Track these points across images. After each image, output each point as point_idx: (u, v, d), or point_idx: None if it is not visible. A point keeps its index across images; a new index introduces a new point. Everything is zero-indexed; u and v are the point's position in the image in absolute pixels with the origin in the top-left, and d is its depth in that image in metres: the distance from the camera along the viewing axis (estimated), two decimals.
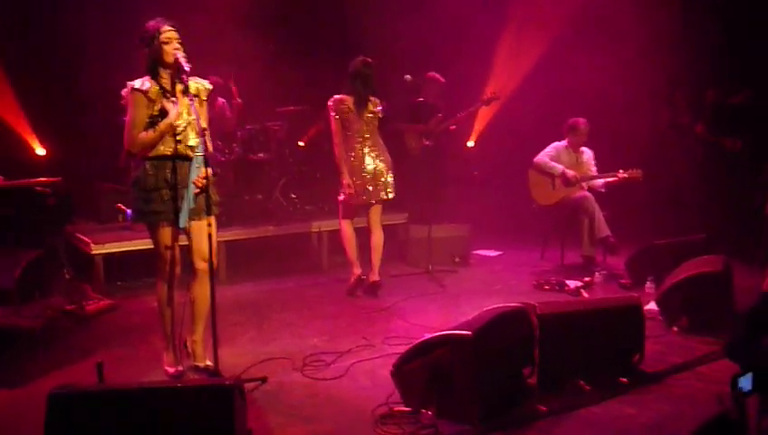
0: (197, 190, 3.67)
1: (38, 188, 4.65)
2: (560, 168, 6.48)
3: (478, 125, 8.54)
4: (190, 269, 3.88)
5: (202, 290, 3.82)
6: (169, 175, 3.66)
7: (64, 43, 6.75)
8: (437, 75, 7.26)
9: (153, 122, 3.63)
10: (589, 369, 3.65)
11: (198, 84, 3.81)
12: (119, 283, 6.02)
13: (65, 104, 7.00)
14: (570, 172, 6.46)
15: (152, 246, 3.85)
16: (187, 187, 3.68)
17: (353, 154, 5.47)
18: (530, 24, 8.08)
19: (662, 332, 4.53)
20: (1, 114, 6.86)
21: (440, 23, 8.06)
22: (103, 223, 6.72)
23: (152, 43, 3.63)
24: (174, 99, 3.67)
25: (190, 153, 3.69)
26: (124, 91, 3.67)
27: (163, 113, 3.62)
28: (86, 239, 5.81)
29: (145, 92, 3.61)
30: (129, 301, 5.58)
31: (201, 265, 3.82)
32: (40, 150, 7.15)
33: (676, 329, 4.55)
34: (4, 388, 3.78)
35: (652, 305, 4.75)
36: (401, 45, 7.57)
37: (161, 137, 3.64)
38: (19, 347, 4.48)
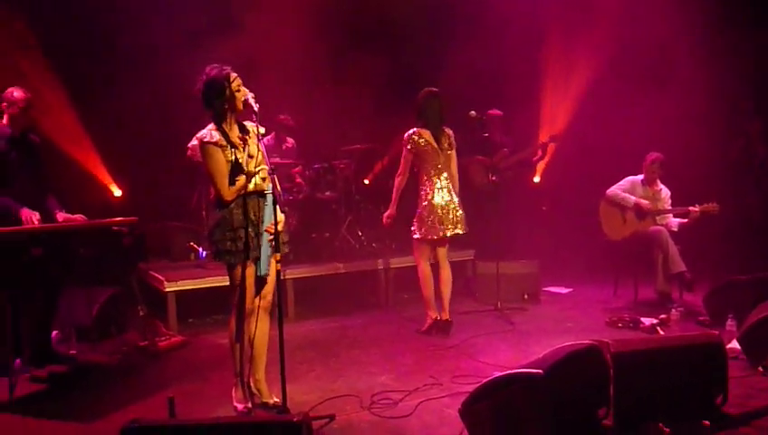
0: (270, 238, 3.72)
1: (115, 228, 4.79)
2: (632, 199, 6.33)
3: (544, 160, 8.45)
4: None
5: (261, 327, 3.87)
6: (251, 213, 3.74)
7: (135, 91, 7.04)
8: (497, 112, 7.28)
9: (234, 169, 3.71)
10: (668, 411, 3.48)
11: (253, 127, 3.89)
12: (189, 320, 6.15)
13: (139, 148, 7.29)
14: (644, 202, 6.29)
15: (225, 283, 3.92)
16: (262, 223, 3.74)
17: (429, 188, 5.44)
18: (595, 57, 7.98)
19: (746, 372, 4.31)
20: (80, 159, 7.21)
21: (502, 58, 8.09)
22: (175, 261, 6.93)
23: (224, 93, 3.72)
24: (239, 145, 3.74)
25: (265, 189, 3.77)
26: (191, 145, 3.76)
27: (237, 162, 3.70)
28: (159, 277, 5.98)
29: (216, 143, 3.70)
30: (199, 337, 5.68)
31: (257, 302, 3.86)
32: (117, 192, 7.46)
33: (761, 369, 4.31)
34: (80, 421, 3.87)
35: (734, 344, 4.53)
36: (463, 81, 7.60)
37: (246, 184, 3.73)
38: (95, 382, 4.65)
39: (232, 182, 3.72)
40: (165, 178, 7.36)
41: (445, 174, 5.46)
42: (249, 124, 3.89)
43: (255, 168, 3.77)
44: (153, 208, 7.09)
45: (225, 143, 3.71)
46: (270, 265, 3.82)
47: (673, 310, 5.71)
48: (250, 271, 3.80)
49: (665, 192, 6.47)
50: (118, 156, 7.33)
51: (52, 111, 6.84)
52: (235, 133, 3.79)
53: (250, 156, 3.75)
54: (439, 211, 5.41)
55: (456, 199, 5.48)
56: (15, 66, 6.58)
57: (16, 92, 4.72)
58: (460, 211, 5.49)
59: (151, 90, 7.00)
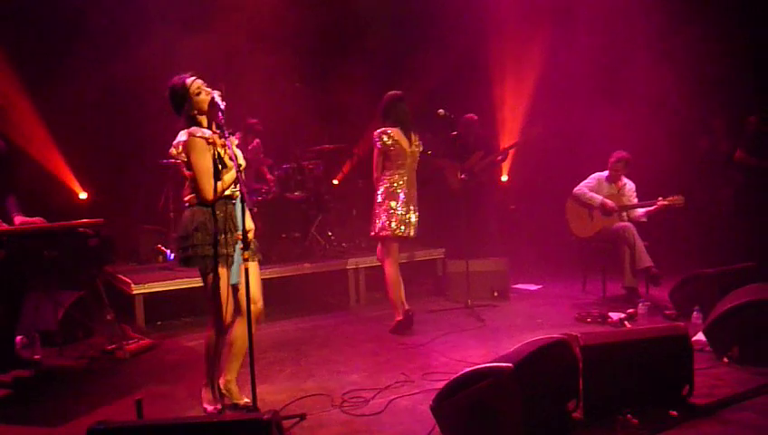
0: (242, 246, 3.66)
1: (80, 230, 4.71)
2: (599, 198, 6.41)
3: (514, 158, 8.54)
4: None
5: (243, 331, 3.81)
6: (223, 218, 3.68)
7: (102, 89, 6.93)
8: (474, 116, 7.34)
9: (217, 168, 3.64)
10: (636, 402, 3.53)
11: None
12: (158, 322, 6.08)
13: (105, 150, 7.19)
14: (609, 202, 6.38)
15: (193, 285, 3.88)
16: (234, 229, 3.70)
17: (393, 186, 5.44)
18: (562, 52, 8.07)
19: (712, 363, 4.37)
20: (41, 160, 7.08)
21: (471, 56, 8.15)
22: (142, 264, 6.84)
23: (186, 99, 3.68)
24: (225, 143, 3.70)
25: (237, 193, 3.73)
26: (178, 142, 3.67)
27: (219, 160, 3.65)
28: (126, 280, 5.90)
29: (207, 139, 3.65)
30: (167, 340, 5.61)
31: (253, 308, 3.75)
32: (82, 194, 7.34)
33: (726, 360, 4.39)
34: (47, 426, 3.80)
35: (700, 336, 4.61)
36: (433, 80, 7.65)
37: (229, 185, 3.68)
38: (61, 386, 4.56)
39: (218, 177, 3.65)
40: (131, 181, 7.28)
41: (406, 177, 5.45)
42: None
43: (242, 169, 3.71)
44: (119, 211, 6.99)
45: (213, 141, 3.67)
46: (242, 271, 3.76)
47: (640, 304, 5.79)
48: (225, 275, 3.72)
49: (629, 186, 6.56)
50: (83, 158, 7.22)
51: (14, 112, 6.71)
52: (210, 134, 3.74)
53: (231, 158, 3.68)
54: (399, 211, 5.41)
55: (412, 201, 5.47)
56: None
57: None
58: (412, 215, 5.47)
59: (117, 91, 6.91)
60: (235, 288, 3.83)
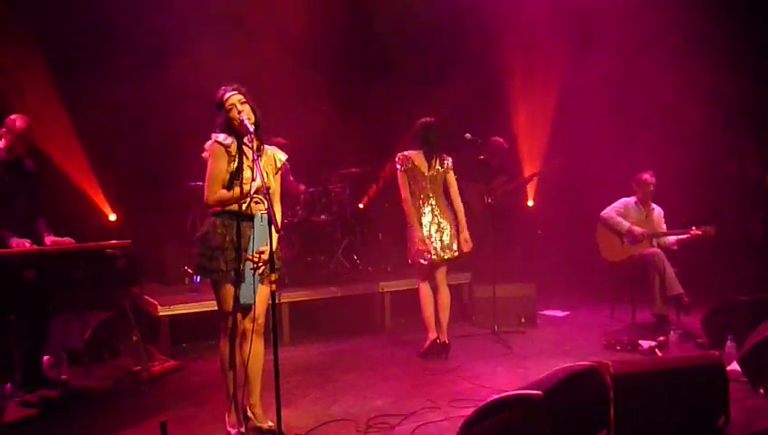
0: (253, 267, 3.65)
1: (108, 251, 4.75)
2: (626, 224, 6.32)
3: (538, 184, 8.49)
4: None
5: (254, 351, 3.79)
6: (231, 233, 3.69)
7: (135, 115, 7.04)
8: (501, 141, 7.33)
9: (230, 179, 3.68)
10: (669, 433, 3.44)
11: (274, 153, 3.89)
12: (183, 344, 6.08)
13: (135, 172, 7.26)
14: (637, 229, 6.29)
15: (215, 308, 3.87)
16: (248, 249, 3.69)
17: (418, 211, 5.45)
18: (586, 77, 8.02)
19: (747, 394, 4.25)
20: (74, 178, 7.18)
21: (497, 80, 8.17)
22: (169, 285, 6.86)
23: (221, 110, 3.74)
24: (250, 162, 3.71)
25: (257, 212, 3.72)
26: (207, 144, 3.74)
27: (238, 172, 3.68)
28: (153, 301, 5.91)
29: (227, 147, 3.69)
30: (193, 362, 5.61)
31: (248, 325, 3.80)
32: (112, 216, 7.41)
33: (762, 391, 4.27)
34: None
35: (734, 366, 4.49)
36: (459, 104, 7.66)
37: (236, 201, 3.68)
38: (87, 406, 4.57)
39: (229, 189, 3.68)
40: (159, 202, 7.33)
41: (433, 200, 5.45)
42: (274, 151, 3.90)
43: (252, 190, 3.71)
44: (148, 232, 7.03)
45: (234, 152, 3.70)
46: (257, 290, 3.75)
47: (671, 332, 5.68)
48: (231, 292, 3.74)
49: (657, 211, 6.49)
50: (113, 178, 7.30)
51: (52, 130, 6.83)
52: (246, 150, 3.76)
53: (252, 179, 3.70)
54: (426, 235, 5.40)
55: (444, 223, 5.45)
56: (17, 83, 6.59)
57: (18, 122, 4.74)
58: (450, 235, 5.45)
59: (147, 111, 6.99)
60: (247, 307, 3.80)
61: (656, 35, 7.80)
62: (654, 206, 6.51)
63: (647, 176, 6.42)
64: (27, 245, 4.46)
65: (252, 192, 3.65)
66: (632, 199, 6.49)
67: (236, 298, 3.72)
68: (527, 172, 8.01)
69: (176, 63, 6.75)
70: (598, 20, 7.96)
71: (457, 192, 5.54)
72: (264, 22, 7.22)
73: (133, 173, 7.28)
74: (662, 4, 7.73)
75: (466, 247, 5.49)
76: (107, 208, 7.40)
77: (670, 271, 6.01)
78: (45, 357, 5.13)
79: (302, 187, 7.00)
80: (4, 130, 4.74)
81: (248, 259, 3.65)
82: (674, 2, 7.64)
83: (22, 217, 4.76)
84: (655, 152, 7.45)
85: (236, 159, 3.69)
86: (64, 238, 4.80)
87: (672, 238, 6.33)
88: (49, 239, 4.76)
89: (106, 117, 6.90)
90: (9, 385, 4.58)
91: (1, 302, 4.11)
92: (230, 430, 3.82)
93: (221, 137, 3.71)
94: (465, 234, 5.49)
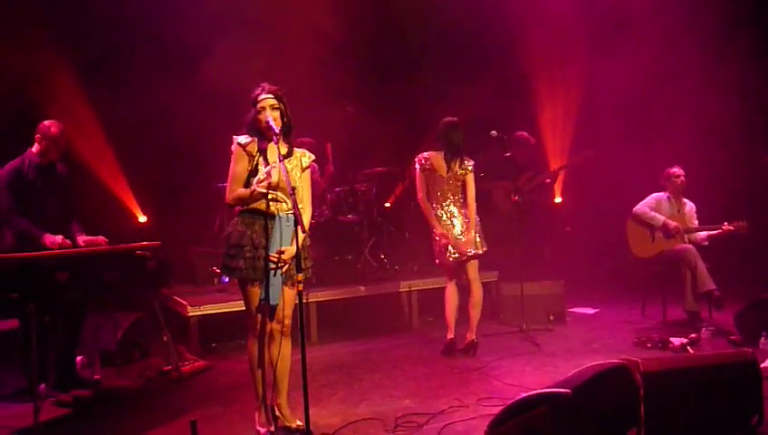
0: (273, 267, 3.68)
1: (138, 253, 4.82)
2: (661, 218, 6.24)
3: (565, 180, 8.41)
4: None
5: (282, 351, 3.83)
6: (255, 233, 3.72)
7: (163, 118, 7.13)
8: (526, 135, 7.27)
9: (248, 178, 3.73)
10: (701, 431, 3.38)
11: (302, 153, 3.92)
12: (213, 344, 6.14)
13: (165, 174, 7.36)
14: (672, 223, 6.20)
15: (244, 308, 3.90)
16: (268, 247, 3.71)
17: (437, 212, 5.47)
18: (618, 73, 7.92)
19: None
20: (107, 183, 7.30)
21: (525, 78, 8.11)
22: (198, 286, 6.94)
23: (253, 108, 3.78)
24: (274, 163, 3.73)
25: (281, 213, 3.74)
26: (232, 146, 3.79)
27: (256, 172, 3.70)
28: (182, 302, 5.98)
29: (245, 146, 3.74)
30: (222, 362, 5.67)
31: (275, 326, 3.84)
32: (142, 218, 7.52)
33: None
34: None
35: None
36: (486, 102, 7.62)
37: (255, 198, 3.71)
38: (119, 406, 4.64)
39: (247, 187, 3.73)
40: (189, 204, 7.42)
41: (450, 199, 5.46)
42: (301, 152, 3.92)
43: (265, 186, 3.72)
44: (177, 234, 7.12)
45: (254, 152, 3.73)
46: (283, 291, 3.79)
47: (703, 329, 5.61)
48: (255, 291, 3.77)
49: (689, 207, 6.40)
50: (143, 182, 7.41)
51: (83, 134, 6.95)
52: (270, 149, 3.78)
53: (268, 176, 3.70)
54: (452, 233, 5.40)
55: (463, 222, 5.44)
56: (50, 86, 6.72)
57: (53, 128, 4.87)
58: (474, 233, 5.44)
59: (176, 112, 7.08)
60: (272, 308, 3.81)
61: (682, 31, 7.68)
62: (686, 201, 6.42)
63: (675, 170, 6.36)
64: (59, 240, 4.56)
65: (267, 189, 3.66)
66: (664, 195, 6.41)
67: (262, 298, 3.75)
68: (554, 166, 7.91)
69: (203, 65, 6.83)
70: (625, 15, 7.86)
71: (473, 195, 5.50)
72: (290, 22, 7.26)
73: (163, 175, 7.38)
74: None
75: (475, 248, 5.46)
76: (137, 210, 7.51)
77: (702, 267, 5.91)
78: (79, 358, 5.24)
79: (330, 168, 7.02)
80: (38, 136, 4.86)
81: (269, 260, 3.67)
82: None
83: (54, 220, 4.88)
84: (684, 147, 7.34)
85: (256, 159, 3.73)
86: (97, 237, 4.90)
87: (703, 234, 6.24)
88: (82, 239, 4.87)
89: (136, 120, 7.01)
90: (43, 386, 4.65)
91: (36, 304, 4.17)
92: (259, 429, 3.85)
93: (241, 138, 3.76)
94: (472, 235, 5.45)
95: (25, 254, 4.21)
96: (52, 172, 4.93)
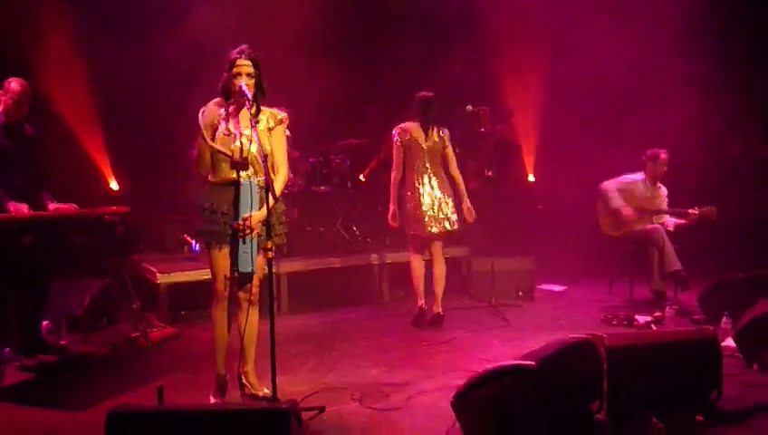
0: (241, 235, 3.62)
1: (107, 217, 4.76)
2: (617, 202, 6.25)
3: (537, 158, 8.45)
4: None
5: (248, 319, 3.83)
6: (224, 199, 3.69)
7: (143, 82, 7.03)
8: (484, 107, 7.25)
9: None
10: (661, 405, 3.45)
11: (271, 112, 3.85)
12: (182, 312, 6.10)
13: (144, 141, 7.26)
14: (626, 211, 6.20)
15: None
16: (231, 213, 3.69)
17: (415, 183, 5.47)
18: (594, 51, 7.93)
19: (741, 370, 4.28)
20: (87, 148, 7.21)
21: (498, 51, 8.12)
22: (169, 254, 6.88)
23: (228, 71, 3.71)
24: (236, 131, 3.69)
25: (251, 180, 3.70)
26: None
27: (214, 136, 3.67)
28: (152, 269, 5.94)
29: (204, 118, 3.68)
30: (191, 329, 5.65)
31: (242, 294, 3.83)
32: (113, 184, 7.42)
33: (756, 367, 4.29)
34: (69, 409, 3.84)
35: (729, 342, 4.51)
36: (461, 76, 7.61)
37: (204, 157, 3.69)
38: (85, 372, 4.61)
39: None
40: (161, 170, 7.32)
41: (430, 171, 5.48)
42: (270, 111, 3.84)
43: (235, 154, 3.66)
44: (151, 201, 7.03)
45: (212, 119, 3.69)
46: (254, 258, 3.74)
47: (668, 308, 5.69)
48: (220, 256, 3.74)
49: (663, 190, 6.45)
50: (121, 147, 7.31)
51: (71, 92, 6.84)
52: (234, 114, 3.74)
53: (228, 133, 3.67)
54: (424, 208, 5.43)
55: (442, 196, 5.47)
56: (44, 44, 6.62)
57: (14, 84, 4.70)
58: (449, 209, 5.46)
59: (158, 80, 6.98)
60: (243, 275, 3.76)
61: (658, 23, 7.72)
62: (660, 185, 6.45)
63: (662, 154, 6.33)
64: (25, 210, 4.45)
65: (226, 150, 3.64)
66: (640, 175, 6.41)
67: (231, 265, 3.72)
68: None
69: (186, 26, 6.72)
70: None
71: (456, 165, 5.53)
72: None
73: (140, 141, 7.28)
74: None
75: (470, 217, 5.54)
76: (111, 177, 7.41)
77: (669, 247, 6.00)
78: (44, 322, 5.17)
79: (297, 154, 6.98)
80: (0, 92, 4.70)
81: (236, 227, 3.64)
82: None
83: (21, 183, 4.74)
84: (659, 131, 7.39)
85: (217, 124, 3.69)
86: (67, 205, 4.80)
87: (671, 220, 6.30)
88: (52, 206, 4.76)
89: (118, 83, 6.89)
90: (8, 350, 4.59)
91: (1, 267, 4.11)
92: (212, 398, 3.85)
93: (204, 108, 3.71)
94: (467, 203, 5.52)
95: None
96: (19, 133, 4.80)
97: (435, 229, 5.45)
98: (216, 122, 3.70)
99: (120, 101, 7.06)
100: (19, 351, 4.71)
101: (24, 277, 4.65)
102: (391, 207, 5.55)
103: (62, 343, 5.00)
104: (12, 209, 4.41)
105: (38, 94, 5.24)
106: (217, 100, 3.75)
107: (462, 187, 5.54)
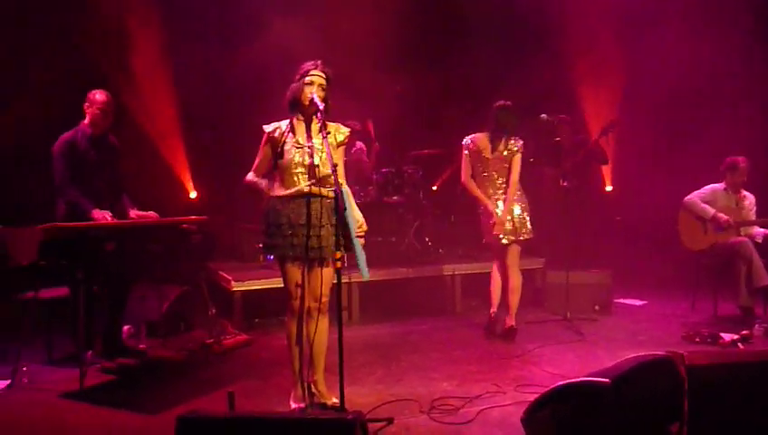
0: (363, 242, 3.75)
1: (184, 226, 4.90)
2: (711, 211, 6.02)
3: (615, 167, 8.20)
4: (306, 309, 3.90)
5: (319, 329, 3.87)
6: (293, 212, 3.73)
7: (222, 93, 7.24)
8: (565, 116, 7.10)
9: (277, 160, 3.79)
10: (746, 429, 3.26)
11: (336, 128, 3.90)
12: (256, 320, 6.21)
13: (223, 151, 7.47)
14: (723, 216, 5.97)
15: None
16: (318, 226, 3.73)
17: (487, 193, 5.44)
18: (669, 57, 7.65)
19: None
20: (167, 158, 7.48)
21: (574, 61, 7.95)
22: (245, 262, 7.03)
23: (298, 81, 3.78)
24: (307, 145, 3.75)
25: (323, 192, 3.74)
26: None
27: (282, 154, 3.75)
28: (227, 277, 6.07)
29: (270, 133, 3.80)
30: (264, 337, 5.74)
31: (312, 304, 3.86)
32: (192, 193, 7.65)
33: None
34: (145, 412, 3.95)
35: None
36: (536, 86, 7.49)
37: (256, 192, 3.82)
38: (162, 376, 4.74)
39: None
40: (239, 180, 7.49)
41: (497, 182, 5.43)
42: (335, 127, 3.89)
43: (308, 170, 3.73)
44: (228, 210, 7.22)
45: (280, 135, 3.78)
46: (321, 270, 3.82)
47: (756, 325, 5.41)
48: (293, 269, 3.79)
49: (749, 199, 6.14)
50: (200, 156, 7.55)
51: (155, 102, 7.14)
52: (301, 128, 3.80)
53: (299, 146, 3.75)
54: (497, 217, 5.38)
55: (514, 206, 5.39)
56: (127, 56, 6.96)
57: (98, 95, 4.91)
58: (521, 217, 5.40)
59: (235, 92, 7.18)
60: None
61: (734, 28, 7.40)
62: (746, 193, 6.16)
63: (740, 161, 6.07)
64: (108, 217, 4.64)
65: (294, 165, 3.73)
66: (721, 185, 6.16)
67: (300, 274, 3.78)
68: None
69: (258, 45, 6.88)
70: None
71: (517, 177, 5.42)
72: (340, 2, 7.25)
73: (219, 151, 7.49)
74: None
75: (515, 235, 5.41)
76: (190, 185, 7.65)
77: (758, 261, 5.70)
78: (125, 327, 5.36)
79: (376, 146, 7.00)
80: (86, 104, 4.91)
81: (357, 236, 3.74)
82: None
83: (105, 192, 4.95)
84: (744, 135, 7.06)
85: (281, 142, 3.77)
86: (148, 212, 4.98)
87: (760, 231, 6.00)
88: (134, 213, 4.96)
89: (200, 95, 7.12)
90: (90, 353, 4.80)
91: (85, 273, 4.28)
92: (292, 403, 3.88)
93: (270, 127, 3.82)
94: (510, 219, 5.40)
95: (76, 223, 4.33)
96: (103, 143, 5.01)
97: (505, 239, 5.38)
98: (281, 135, 3.76)
99: (200, 112, 7.29)
100: (101, 354, 4.91)
101: (107, 283, 4.86)
102: (482, 205, 5.44)
103: (141, 347, 5.17)
104: (97, 217, 4.61)
105: (122, 106, 5.47)
106: (282, 122, 3.85)
107: (513, 197, 5.40)
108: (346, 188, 3.78)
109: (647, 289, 7.14)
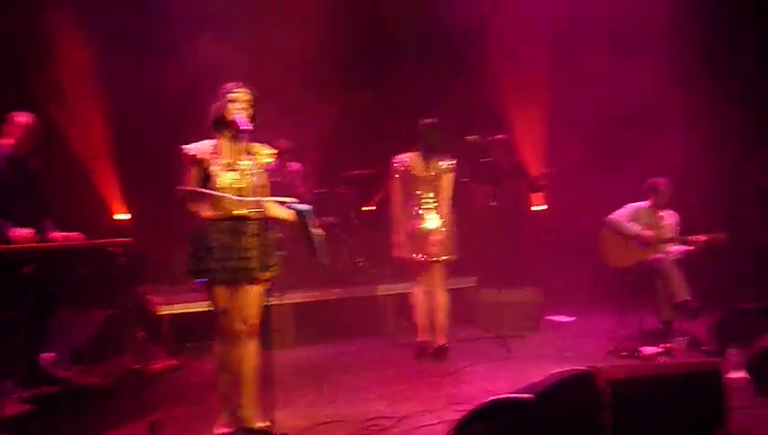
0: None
1: (109, 249, 4.77)
2: (635, 228, 6.20)
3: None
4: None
5: (245, 353, 3.80)
6: (223, 235, 3.68)
7: (151, 111, 7.12)
8: (502, 136, 7.25)
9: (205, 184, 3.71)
10: None
11: (261, 147, 3.87)
12: (188, 344, 6.07)
13: (151, 174, 7.32)
14: (646, 232, 6.16)
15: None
16: (248, 248, 3.69)
17: (414, 212, 5.46)
18: (596, 77, 7.91)
19: (752, 402, 4.15)
20: (98, 183, 7.29)
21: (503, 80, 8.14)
22: (175, 285, 6.88)
23: (221, 100, 3.74)
24: (228, 162, 3.72)
25: (248, 214, 3.71)
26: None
27: (209, 177, 3.69)
28: (155, 300, 5.93)
29: (193, 156, 3.73)
30: (195, 361, 5.60)
31: (240, 327, 3.80)
32: (121, 215, 7.47)
33: None
34: None
35: (738, 373, 4.39)
36: (470, 105, 7.63)
37: (203, 199, 3.70)
38: (85, 404, 4.58)
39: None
40: (171, 202, 7.35)
41: (428, 201, 5.47)
42: (257, 146, 3.85)
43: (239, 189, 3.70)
44: (160, 232, 7.07)
45: (201, 158, 3.72)
46: (248, 290, 3.77)
47: (678, 339, 5.59)
48: (222, 293, 3.74)
49: (670, 218, 6.34)
50: (132, 178, 7.39)
51: (83, 123, 6.98)
52: (227, 148, 3.76)
53: (227, 166, 3.70)
54: (422, 235, 5.42)
55: (440, 224, 5.44)
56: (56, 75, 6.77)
57: (21, 117, 4.76)
58: (446, 236, 5.45)
59: (167, 110, 7.07)
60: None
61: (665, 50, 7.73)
62: (669, 212, 6.36)
63: (660, 183, 6.29)
64: (28, 234, 4.42)
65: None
66: (645, 204, 6.35)
67: (228, 298, 3.73)
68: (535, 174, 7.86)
69: (191, 63, 6.81)
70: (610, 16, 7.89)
71: (448, 196, 5.51)
72: (272, 22, 7.25)
73: (149, 172, 7.33)
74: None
75: (445, 254, 5.47)
76: (120, 207, 7.47)
77: (678, 276, 5.89)
78: (49, 354, 5.16)
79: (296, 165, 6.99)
80: (10, 127, 4.75)
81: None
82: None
83: (25, 216, 4.75)
84: (668, 155, 7.33)
85: (206, 164, 3.71)
86: (73, 233, 4.81)
87: (676, 248, 6.21)
88: (56, 235, 4.76)
89: (129, 114, 7.00)
90: (10, 381, 4.60)
91: (1, 298, 4.12)
92: (215, 430, 3.80)
93: (191, 148, 3.76)
94: (441, 238, 5.46)
95: None
96: (22, 165, 4.84)
97: (432, 257, 5.41)
98: (206, 156, 3.71)
99: (132, 130, 7.14)
100: (21, 383, 4.70)
101: (26, 309, 4.66)
102: (395, 237, 5.51)
103: (64, 374, 4.98)
104: (12, 236, 4.41)
105: (50, 125, 5.32)
106: (203, 142, 3.79)
107: (446, 216, 5.49)
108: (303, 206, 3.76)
109: (576, 305, 7.31)
